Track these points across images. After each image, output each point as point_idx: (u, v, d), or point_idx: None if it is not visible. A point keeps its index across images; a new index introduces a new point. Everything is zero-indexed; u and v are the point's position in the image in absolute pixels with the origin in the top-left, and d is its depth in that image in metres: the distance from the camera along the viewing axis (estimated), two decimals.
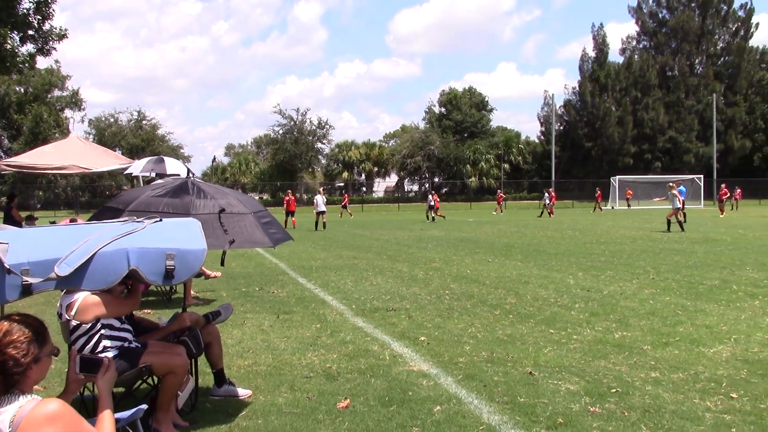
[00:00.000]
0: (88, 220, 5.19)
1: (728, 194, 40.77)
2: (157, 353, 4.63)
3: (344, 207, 46.99)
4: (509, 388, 5.55)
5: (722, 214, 37.98)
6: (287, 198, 33.61)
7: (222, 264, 5.23)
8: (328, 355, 6.81)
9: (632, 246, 18.86)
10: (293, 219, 32.91)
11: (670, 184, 26.80)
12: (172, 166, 12.37)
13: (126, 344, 4.64)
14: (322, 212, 31.41)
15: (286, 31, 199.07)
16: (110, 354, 4.46)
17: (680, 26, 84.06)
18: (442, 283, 11.86)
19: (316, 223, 31.43)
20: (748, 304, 9.30)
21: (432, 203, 38.77)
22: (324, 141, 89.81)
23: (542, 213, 42.81)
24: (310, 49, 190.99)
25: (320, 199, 31.74)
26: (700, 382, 5.65)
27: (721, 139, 77.52)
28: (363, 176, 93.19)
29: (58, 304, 4.63)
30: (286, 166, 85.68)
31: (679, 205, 25.78)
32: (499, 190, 56.43)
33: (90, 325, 4.48)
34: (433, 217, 38.09)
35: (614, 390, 5.44)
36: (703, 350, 6.72)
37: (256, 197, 77.19)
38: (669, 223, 25.67)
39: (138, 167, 12.68)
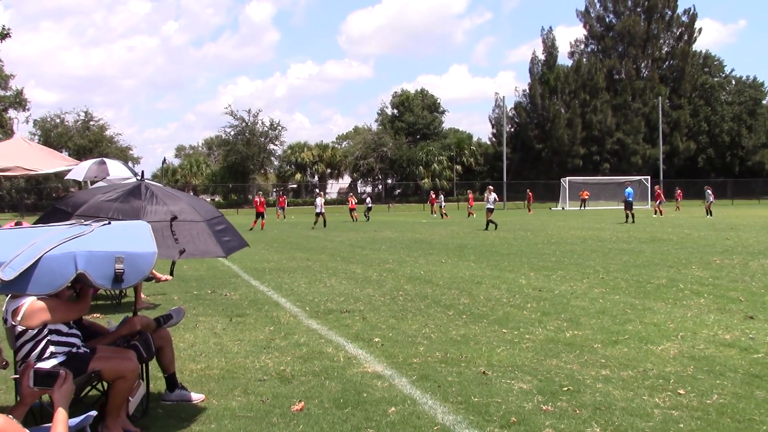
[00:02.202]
0: (35, 222, 5.06)
1: (662, 198, 42.09)
2: (107, 358, 4.53)
3: (281, 209, 48.20)
4: (463, 388, 5.59)
5: (661, 214, 39.37)
6: (257, 199, 35.10)
7: (171, 274, 5.14)
8: (281, 358, 6.76)
9: (582, 246, 19.17)
10: (263, 221, 33.94)
11: (489, 187, 30.82)
12: (115, 168, 11.94)
13: (74, 350, 4.53)
14: (321, 213, 33.75)
15: (237, 32, 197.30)
16: (58, 360, 4.36)
17: (627, 30, 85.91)
18: (396, 285, 11.89)
19: (315, 222, 33.65)
20: (694, 302, 9.53)
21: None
22: (276, 142, 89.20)
23: (435, 213, 45.10)
24: (261, 49, 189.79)
25: (319, 201, 34.45)
26: (648, 379, 5.76)
27: (666, 141, 79.44)
28: (316, 178, 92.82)
29: (3, 309, 4.51)
30: (238, 168, 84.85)
31: (492, 206, 29.02)
32: (432, 192, 57.00)
33: (36, 330, 4.37)
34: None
35: (566, 388, 5.52)
36: (652, 348, 6.86)
37: (208, 199, 76.37)
38: (488, 223, 28.52)
39: (81, 172, 12.17)
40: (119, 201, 4.99)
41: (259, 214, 34.00)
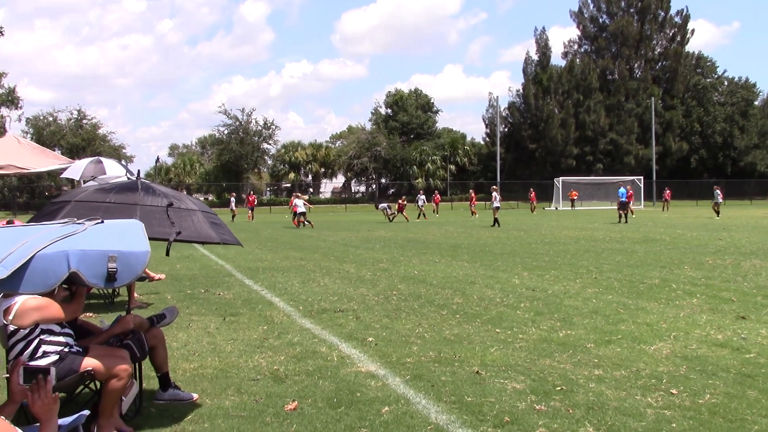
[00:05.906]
0: (31, 219, 5.06)
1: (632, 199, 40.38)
2: (100, 357, 4.51)
3: (251, 209, 48.26)
4: (456, 388, 5.59)
5: (633, 214, 37.96)
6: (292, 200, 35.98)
7: (167, 254, 5.13)
8: (275, 357, 6.75)
9: (575, 246, 19.20)
10: (294, 220, 34.81)
11: (493, 187, 34.41)
12: (111, 167, 11.92)
13: (67, 349, 4.50)
14: (303, 213, 33.73)
15: (231, 31, 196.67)
16: (50, 359, 4.34)
17: (620, 31, 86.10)
18: (390, 284, 11.88)
19: (305, 222, 33.75)
20: (686, 302, 9.55)
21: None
22: (270, 141, 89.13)
23: (437, 213, 46.53)
24: (256, 49, 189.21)
25: (299, 202, 34.04)
26: (641, 378, 5.77)
27: (659, 142, 79.69)
28: (310, 177, 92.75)
29: None
30: (231, 167, 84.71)
31: (497, 205, 32.53)
32: (436, 192, 56.22)
33: (29, 330, 4.34)
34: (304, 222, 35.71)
35: (559, 388, 5.52)
36: (644, 348, 6.87)
37: (201, 198, 76.15)
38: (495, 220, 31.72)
39: (77, 171, 12.08)
40: (115, 191, 5.13)
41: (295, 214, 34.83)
